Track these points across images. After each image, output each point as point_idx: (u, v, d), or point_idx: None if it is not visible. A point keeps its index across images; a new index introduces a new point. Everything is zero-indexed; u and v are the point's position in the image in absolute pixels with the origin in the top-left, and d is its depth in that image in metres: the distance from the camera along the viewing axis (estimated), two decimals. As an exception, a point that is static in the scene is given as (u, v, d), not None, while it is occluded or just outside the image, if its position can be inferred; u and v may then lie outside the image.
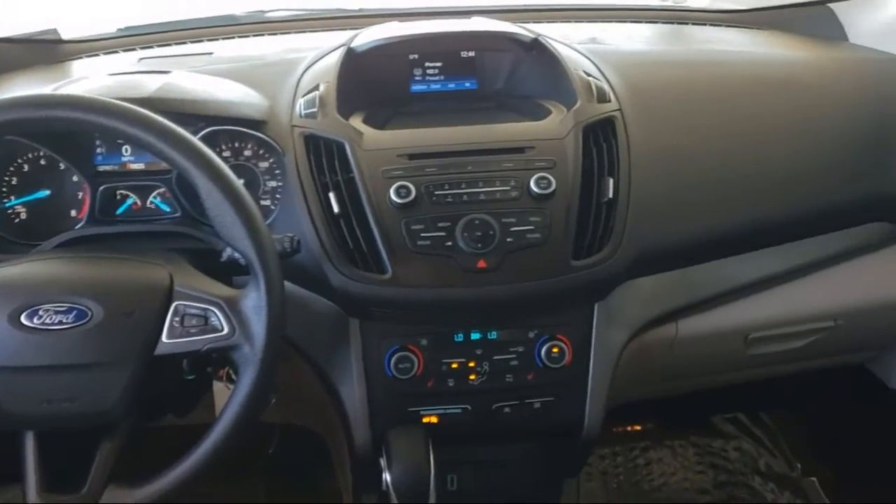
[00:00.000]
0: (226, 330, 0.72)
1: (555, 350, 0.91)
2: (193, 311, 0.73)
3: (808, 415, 1.67)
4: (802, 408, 1.67)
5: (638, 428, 1.69)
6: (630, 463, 1.63)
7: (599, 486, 1.59)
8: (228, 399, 0.74)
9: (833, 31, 1.32)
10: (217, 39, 1.23)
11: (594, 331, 0.93)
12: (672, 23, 1.38)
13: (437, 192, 0.86)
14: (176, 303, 0.73)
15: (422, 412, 0.93)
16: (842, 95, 1.07)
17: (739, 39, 1.31)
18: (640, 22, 1.38)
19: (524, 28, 1.02)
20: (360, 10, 1.33)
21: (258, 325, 0.72)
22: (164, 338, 0.72)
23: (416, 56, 1.01)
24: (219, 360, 0.85)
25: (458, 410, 0.94)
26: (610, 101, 0.94)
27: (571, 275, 0.86)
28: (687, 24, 1.39)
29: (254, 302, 0.72)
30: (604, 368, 0.94)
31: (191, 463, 0.73)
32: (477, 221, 0.84)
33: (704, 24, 1.38)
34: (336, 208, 0.85)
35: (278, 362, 0.74)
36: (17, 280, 0.72)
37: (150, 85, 0.88)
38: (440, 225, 0.85)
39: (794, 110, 1.03)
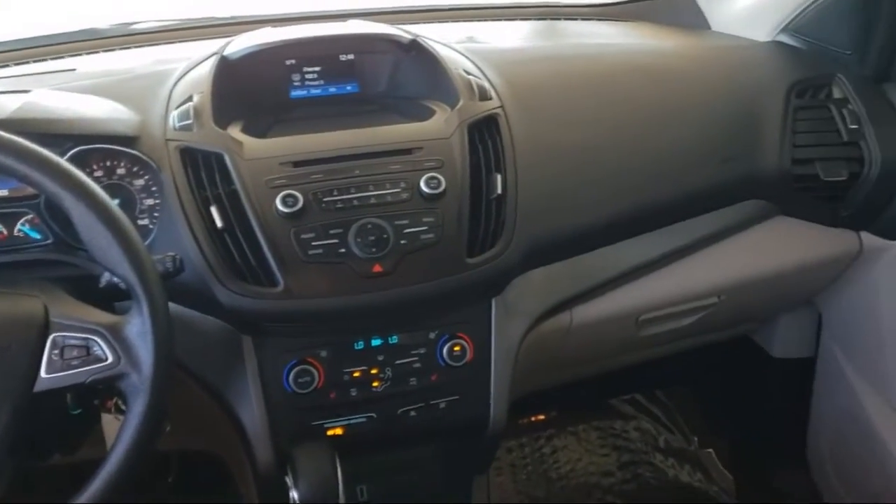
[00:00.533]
0: (110, 359, 0.68)
1: (456, 349, 0.91)
2: (73, 341, 0.69)
3: (701, 389, 1.75)
4: (695, 383, 1.74)
5: (542, 417, 1.72)
6: (537, 453, 1.66)
7: (509, 479, 1.61)
8: (119, 431, 0.70)
9: (697, 20, 1.38)
10: (80, 54, 1.16)
11: (493, 326, 0.94)
12: (544, 19, 1.41)
13: (325, 199, 0.84)
14: (53, 335, 0.68)
15: (326, 425, 0.91)
16: (711, 82, 1.12)
17: (610, 32, 1.35)
18: (514, 20, 1.41)
19: (402, 29, 1.02)
20: (232, 17, 1.29)
21: (144, 351, 0.68)
22: (43, 373, 0.67)
23: (293, 61, 0.99)
24: (106, 392, 0.80)
25: (364, 419, 0.92)
26: (491, 98, 0.95)
27: (467, 272, 0.86)
28: (559, 19, 1.42)
29: (138, 328, 0.68)
30: (505, 362, 0.95)
31: (84, 502, 0.69)
32: (369, 226, 0.83)
33: (576, 19, 1.43)
34: (219, 223, 0.82)
35: (169, 388, 0.70)
36: None
37: (9, 105, 0.83)
38: (332, 232, 0.83)
39: (668, 98, 1.07)
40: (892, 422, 1.27)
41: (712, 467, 1.63)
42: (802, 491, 1.50)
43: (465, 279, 0.86)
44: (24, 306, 0.70)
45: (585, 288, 1.03)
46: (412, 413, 0.93)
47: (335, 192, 0.84)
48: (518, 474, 1.62)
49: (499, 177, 0.89)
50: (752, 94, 1.11)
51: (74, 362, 0.68)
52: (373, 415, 0.92)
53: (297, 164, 0.85)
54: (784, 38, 1.25)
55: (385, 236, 0.83)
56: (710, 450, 1.66)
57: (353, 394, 0.90)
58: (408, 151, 0.88)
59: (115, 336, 0.69)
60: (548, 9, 1.47)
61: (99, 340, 0.69)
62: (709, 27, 1.37)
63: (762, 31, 1.27)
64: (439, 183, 0.85)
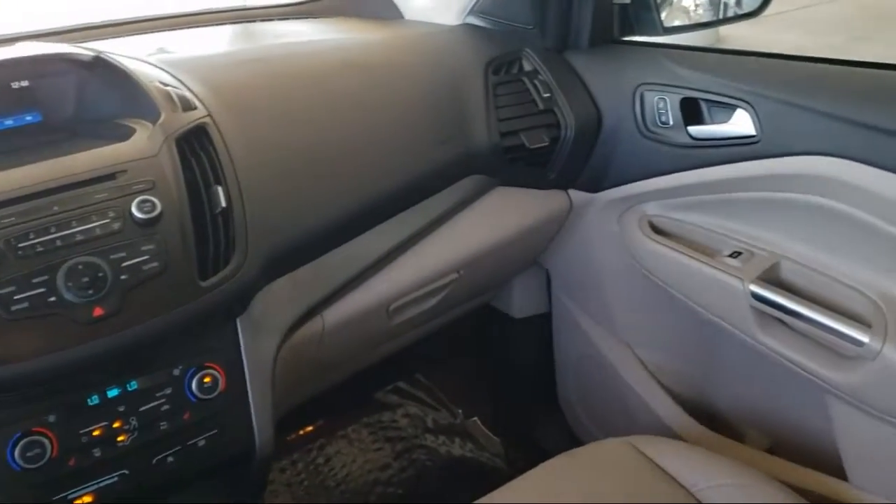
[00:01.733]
0: None
1: (206, 380, 0.85)
2: None
3: (457, 362, 1.82)
4: (450, 358, 1.80)
5: (310, 428, 1.68)
6: (311, 466, 1.61)
7: (287, 499, 1.55)
8: None
9: (390, 12, 1.41)
10: None
11: (243, 348, 0.88)
12: (239, 22, 1.36)
13: (22, 245, 0.73)
14: None
15: (71, 496, 0.80)
16: (414, 69, 1.15)
17: (308, 29, 1.34)
18: (207, 26, 1.34)
19: (82, 47, 0.92)
20: None
21: None
22: None
23: None
24: None
25: (115, 479, 0.82)
26: (196, 108, 0.88)
27: (203, 297, 0.80)
28: (254, 21, 1.38)
29: None
30: (262, 383, 0.90)
31: None
32: (80, 266, 0.73)
33: (272, 20, 1.39)
34: None
35: None
36: None
37: None
38: (36, 281, 0.72)
39: (378, 88, 1.08)
40: (625, 356, 1.41)
41: (480, 435, 1.70)
42: (562, 436, 1.62)
43: (202, 304, 0.80)
44: None
45: (332, 289, 1.01)
46: (169, 459, 0.85)
47: (32, 236, 0.73)
48: (296, 492, 1.57)
49: (220, 189, 0.84)
50: (454, 76, 1.16)
51: None
52: (125, 472, 0.83)
53: None
54: (473, 20, 1.31)
55: (101, 274, 0.74)
56: (475, 418, 1.73)
57: (97, 455, 0.80)
58: (111, 177, 0.79)
59: None
60: (241, 12, 1.41)
61: None
62: (402, 17, 1.41)
63: (451, 15, 1.33)
64: (153, 206, 0.78)
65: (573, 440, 1.59)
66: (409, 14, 1.40)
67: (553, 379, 1.64)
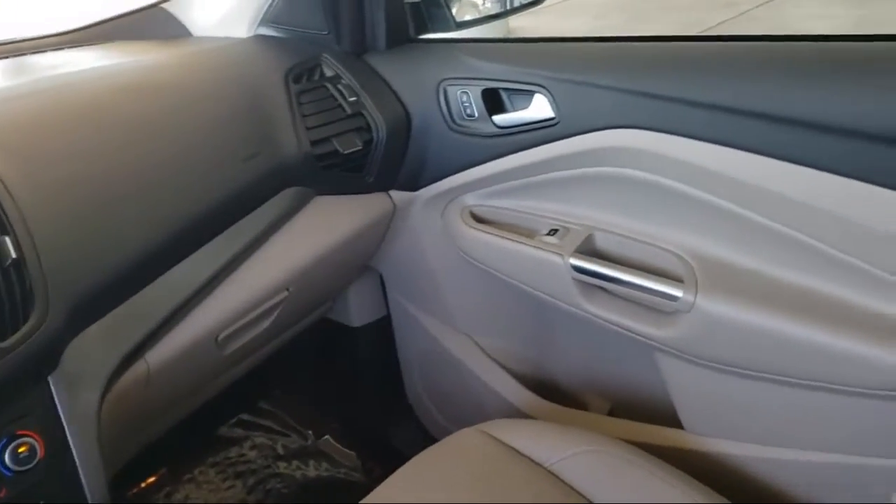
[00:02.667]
0: None
1: (22, 449, 0.76)
2: None
3: (301, 383, 1.77)
4: (293, 380, 1.75)
5: (153, 479, 1.57)
6: (159, 517, 1.51)
7: (137, 558, 1.44)
8: None
9: (176, 30, 1.34)
10: None
11: (59, 407, 0.80)
12: (7, 57, 1.24)
13: None
14: None
15: None
16: (208, 86, 1.10)
17: (89, 57, 1.24)
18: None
19: None
20: None
21: None
22: None
23: None
24: None
25: None
26: None
27: (4, 359, 0.72)
28: (24, 54, 1.26)
29: None
30: (87, 442, 0.83)
31: None
32: None
33: (44, 51, 1.28)
34: None
35: None
36: None
37: None
38: None
39: (169, 110, 1.02)
40: (466, 346, 1.43)
41: (334, 452, 1.67)
42: (417, 437, 1.62)
43: (5, 367, 0.72)
44: None
45: (152, 328, 0.94)
46: None
47: None
48: (146, 549, 1.46)
49: (7, 240, 0.75)
50: (254, 89, 1.12)
51: None
52: None
53: None
54: (265, 31, 1.28)
55: None
56: (327, 436, 1.69)
57: None
58: None
59: None
60: (8, 46, 1.29)
61: None
62: (189, 34, 1.35)
63: (242, 27, 1.28)
64: None
65: (429, 439, 1.59)
66: (196, 31, 1.34)
67: (401, 381, 1.64)
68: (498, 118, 1.13)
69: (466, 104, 1.15)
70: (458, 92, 1.15)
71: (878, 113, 0.81)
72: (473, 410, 1.42)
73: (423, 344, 1.50)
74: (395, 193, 1.29)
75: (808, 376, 0.94)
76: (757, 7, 5.82)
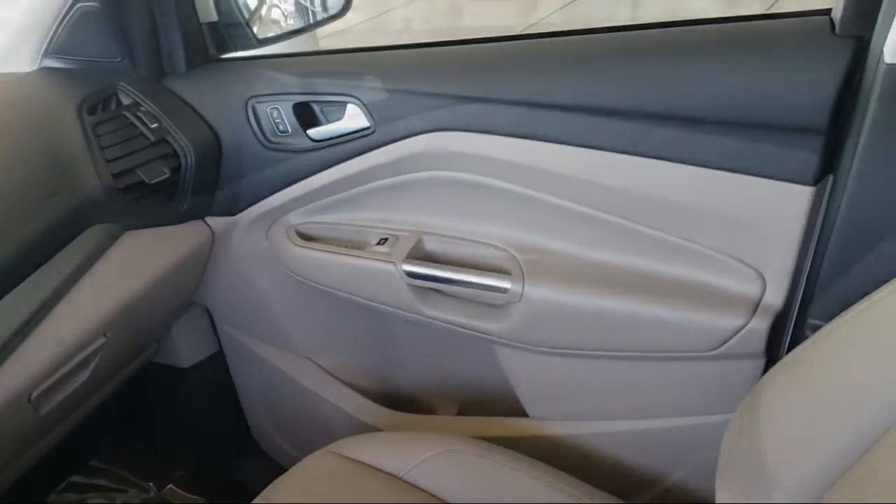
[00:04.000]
0: None
1: None
2: None
3: (133, 435, 1.65)
4: (125, 431, 1.63)
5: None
6: None
7: None
8: None
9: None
10: None
11: None
12: None
13: None
14: None
15: None
16: None
17: None
18: None
19: None
20: None
21: None
22: None
23: None
24: None
25: None
26: None
27: None
28: None
29: None
30: None
31: None
32: None
33: None
34: None
35: None
36: None
37: None
38: None
39: None
40: (307, 370, 1.39)
41: (180, 500, 1.57)
42: (267, 471, 1.55)
43: None
44: None
45: None
46: None
47: None
48: None
49: None
50: (44, 125, 1.03)
51: None
52: None
53: None
54: (51, 63, 1.19)
55: None
56: (170, 485, 1.59)
57: None
58: None
59: None
60: None
61: None
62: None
63: (24, 61, 1.18)
64: None
65: (279, 470, 1.53)
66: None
67: (243, 416, 1.57)
68: (312, 132, 1.12)
69: (278, 120, 1.12)
70: (268, 108, 1.12)
71: (660, 97, 0.87)
72: (323, 434, 1.39)
73: (261, 375, 1.45)
74: (212, 220, 1.23)
75: (640, 348, 0.99)
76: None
